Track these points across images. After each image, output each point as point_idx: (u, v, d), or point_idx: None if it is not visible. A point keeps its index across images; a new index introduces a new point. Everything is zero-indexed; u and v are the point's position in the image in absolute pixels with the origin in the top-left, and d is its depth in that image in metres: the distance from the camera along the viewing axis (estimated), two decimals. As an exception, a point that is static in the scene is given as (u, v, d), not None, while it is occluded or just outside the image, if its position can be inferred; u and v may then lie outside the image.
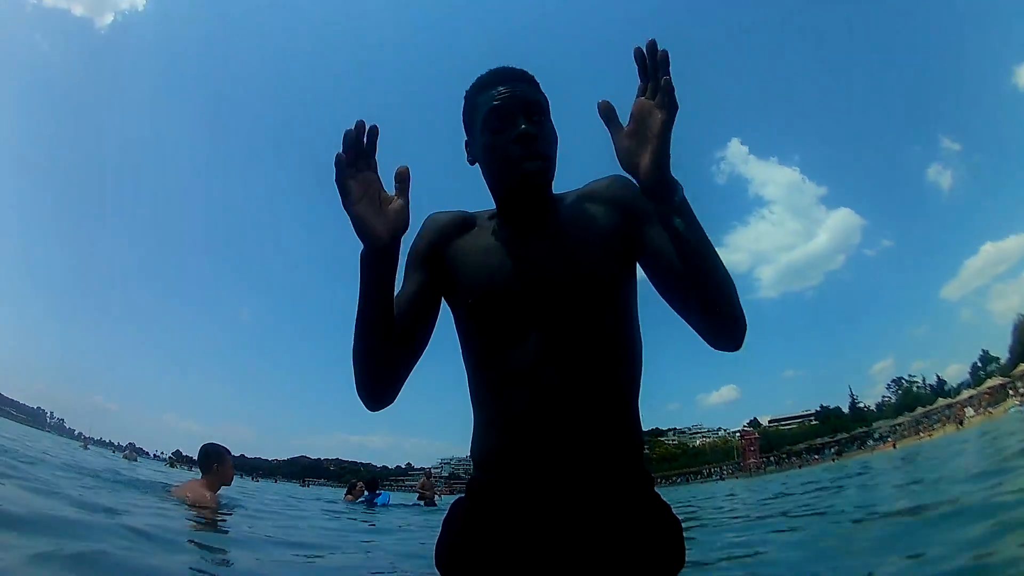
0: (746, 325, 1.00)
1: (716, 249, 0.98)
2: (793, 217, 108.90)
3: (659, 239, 1.02)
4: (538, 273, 1.05)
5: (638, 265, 1.10)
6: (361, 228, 0.90)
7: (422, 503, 9.21)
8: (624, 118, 0.98)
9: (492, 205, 1.18)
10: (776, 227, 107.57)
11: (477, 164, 1.15)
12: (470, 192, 1.26)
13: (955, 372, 58.78)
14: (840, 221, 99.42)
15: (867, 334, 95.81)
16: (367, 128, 0.90)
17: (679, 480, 56.35)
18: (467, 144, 1.18)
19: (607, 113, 0.99)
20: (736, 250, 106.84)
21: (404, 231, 0.94)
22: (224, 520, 3.44)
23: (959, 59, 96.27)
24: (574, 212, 1.12)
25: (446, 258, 1.13)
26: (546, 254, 1.07)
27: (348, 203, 0.89)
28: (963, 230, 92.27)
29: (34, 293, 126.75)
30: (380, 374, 1.02)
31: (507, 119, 1.06)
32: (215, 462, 3.75)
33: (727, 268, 0.98)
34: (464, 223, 1.17)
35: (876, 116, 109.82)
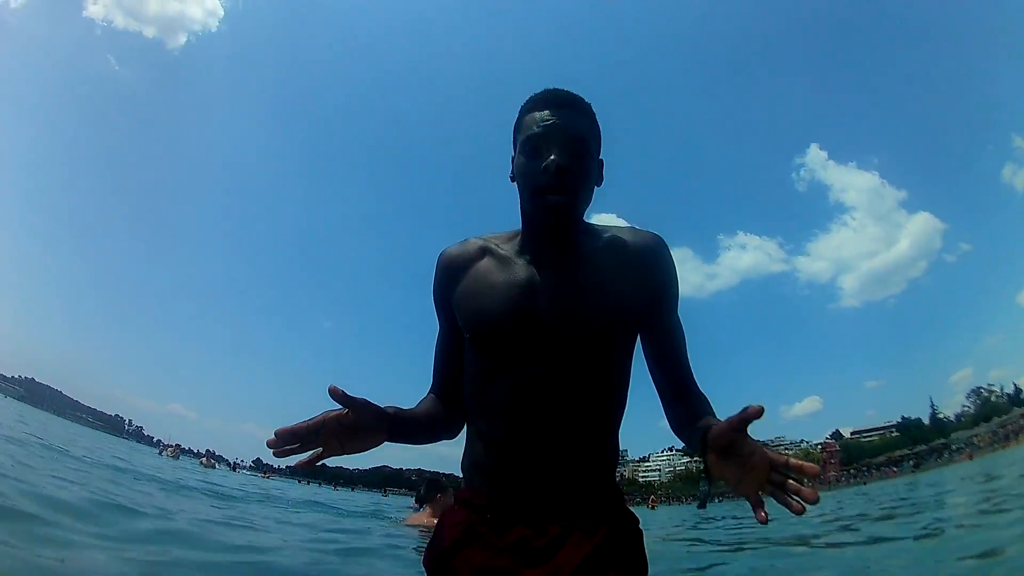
0: None
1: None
2: (875, 223, 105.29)
3: (670, 335, 1.11)
4: (541, 314, 1.04)
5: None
6: (365, 450, 1.08)
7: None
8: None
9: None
10: (858, 233, 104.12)
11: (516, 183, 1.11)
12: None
13: (1034, 381, 56.59)
14: (921, 226, 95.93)
15: (947, 343, 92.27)
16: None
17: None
18: (512, 159, 1.12)
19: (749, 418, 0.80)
20: (819, 259, 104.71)
21: (384, 418, 1.05)
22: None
23: None
24: (600, 258, 1.08)
25: (454, 294, 1.14)
26: (556, 295, 1.05)
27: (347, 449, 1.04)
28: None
29: (117, 306, 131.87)
30: (437, 439, 1.24)
31: (543, 147, 1.02)
32: (439, 492, 4.20)
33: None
34: (476, 253, 1.15)
35: (950, 116, 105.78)
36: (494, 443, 1.09)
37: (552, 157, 1.01)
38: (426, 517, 4.22)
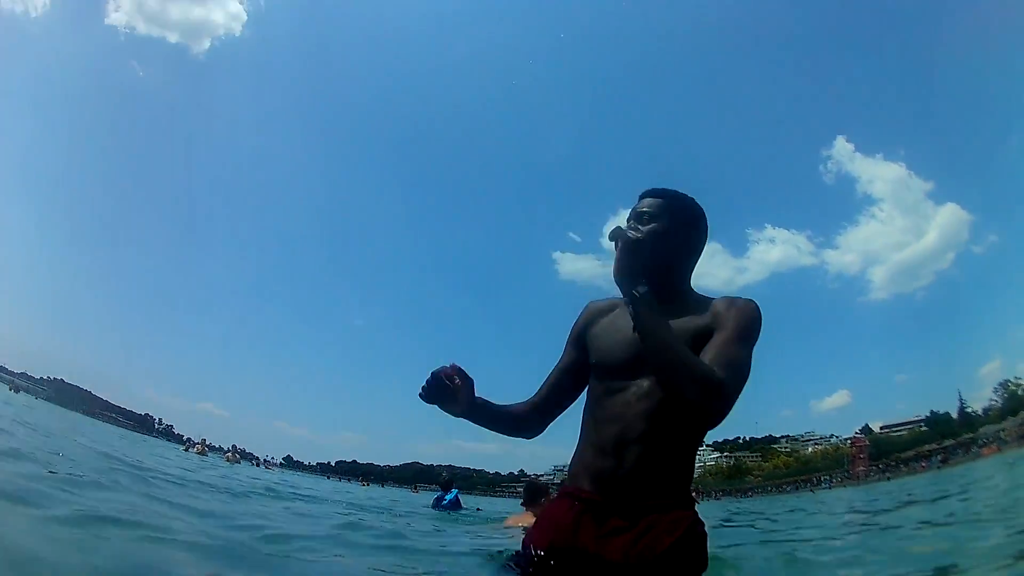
0: (715, 406, 1.29)
1: (674, 344, 1.28)
2: (902, 215, 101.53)
3: (710, 345, 1.36)
4: (639, 348, 1.36)
5: None
6: (447, 411, 1.49)
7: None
8: None
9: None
10: (886, 225, 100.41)
11: None
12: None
13: (1062, 374, 55.64)
14: (948, 217, 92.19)
15: (975, 335, 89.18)
16: (451, 374, 1.44)
17: (788, 489, 56.24)
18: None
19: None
20: (848, 251, 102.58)
21: (472, 400, 1.49)
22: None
23: None
24: (685, 309, 1.45)
25: (588, 334, 1.59)
26: None
27: (432, 402, 1.47)
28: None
29: (147, 308, 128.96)
30: (515, 435, 1.68)
31: (618, 237, 1.45)
32: (542, 496, 4.65)
33: (687, 360, 1.27)
34: (610, 307, 1.60)
35: (974, 102, 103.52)
36: (601, 449, 1.43)
37: (620, 245, 1.46)
38: (528, 518, 4.41)
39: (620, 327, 1.49)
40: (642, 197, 1.56)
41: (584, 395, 1.60)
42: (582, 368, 1.61)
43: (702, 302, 1.49)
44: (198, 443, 22.07)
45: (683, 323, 1.40)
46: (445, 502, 7.36)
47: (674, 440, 1.41)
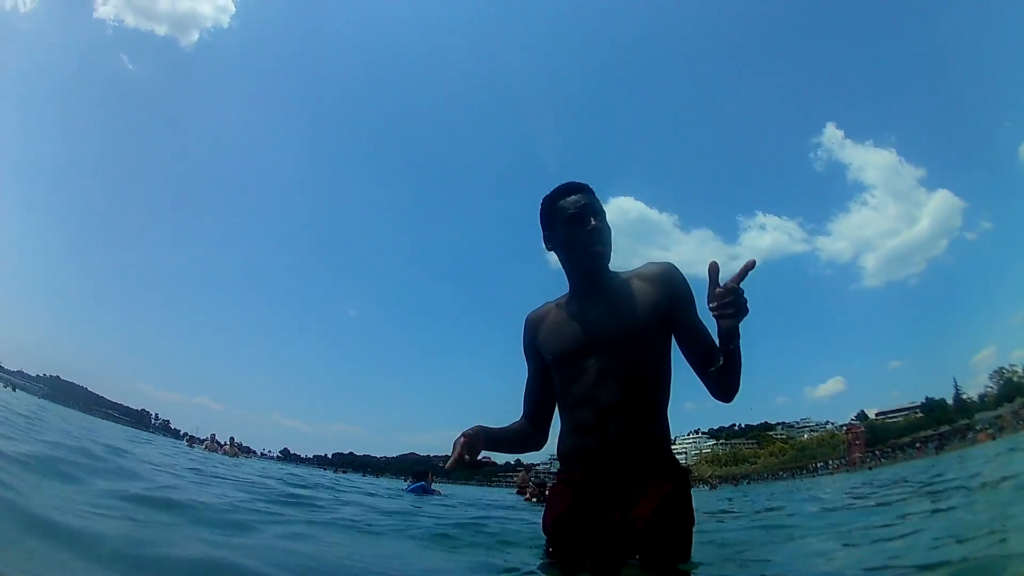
0: (735, 395, 1.54)
1: (741, 364, 1.48)
2: (895, 201, 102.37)
3: (692, 327, 1.58)
4: (594, 331, 1.60)
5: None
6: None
7: (523, 497, 8.63)
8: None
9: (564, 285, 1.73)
10: (878, 212, 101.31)
11: (554, 252, 1.73)
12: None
13: (1057, 361, 55.87)
14: (940, 203, 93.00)
15: (970, 322, 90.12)
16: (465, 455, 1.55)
17: (785, 476, 56.39)
18: (545, 237, 1.74)
19: (712, 271, 1.43)
20: (840, 238, 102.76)
21: (486, 443, 1.63)
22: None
23: None
24: (625, 286, 1.63)
25: (537, 341, 1.74)
26: (600, 317, 1.61)
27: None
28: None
29: (140, 302, 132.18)
30: (526, 451, 1.83)
31: (583, 219, 1.62)
32: None
33: (742, 368, 1.48)
34: (548, 310, 1.76)
35: (966, 91, 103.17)
36: (581, 431, 1.59)
37: (592, 222, 1.63)
38: None
39: (564, 321, 1.69)
40: (575, 192, 1.70)
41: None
42: (547, 374, 1.76)
43: (629, 277, 1.67)
44: (207, 440, 21.21)
45: (643, 298, 1.60)
46: (411, 488, 8.01)
47: (646, 409, 1.58)
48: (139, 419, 74.59)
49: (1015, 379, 52.41)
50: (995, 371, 56.02)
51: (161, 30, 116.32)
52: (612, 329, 1.60)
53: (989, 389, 55.43)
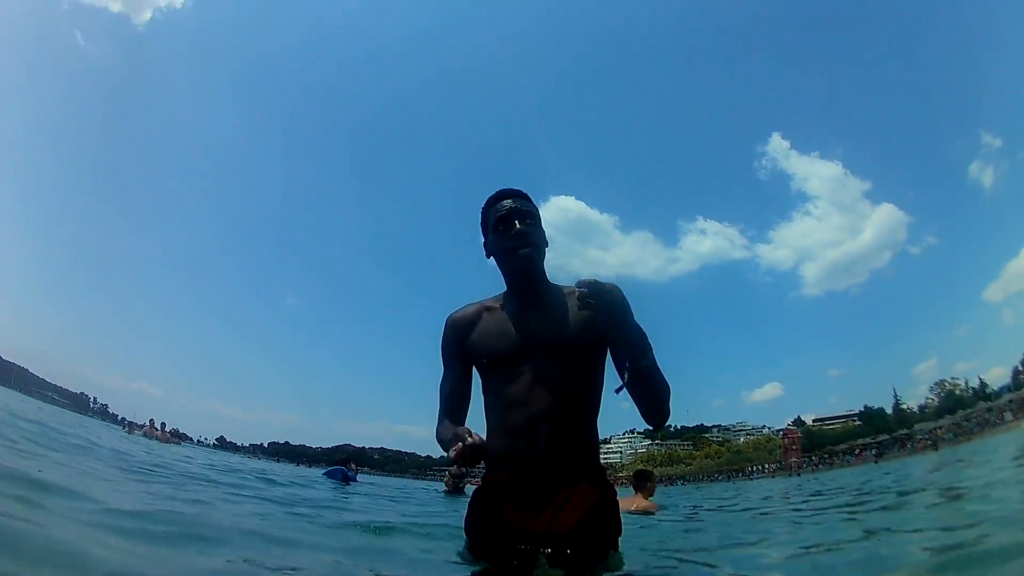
0: (667, 420, 1.59)
1: (666, 385, 1.55)
2: (838, 212, 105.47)
3: (621, 336, 1.52)
4: (530, 337, 1.62)
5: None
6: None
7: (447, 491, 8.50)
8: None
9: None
10: (821, 222, 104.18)
11: (492, 258, 1.73)
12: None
13: (998, 375, 57.81)
14: (885, 217, 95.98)
15: (911, 334, 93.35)
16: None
17: (720, 478, 57.37)
18: (484, 243, 1.77)
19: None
20: (781, 246, 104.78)
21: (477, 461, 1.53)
22: (663, 512, 5.12)
23: (999, 51, 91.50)
24: (564, 298, 1.68)
25: (466, 344, 1.72)
26: (537, 324, 1.63)
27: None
28: (1005, 230, 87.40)
29: (78, 281, 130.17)
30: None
31: (509, 223, 1.64)
32: (648, 481, 5.64)
33: (668, 390, 1.55)
34: (476, 312, 1.75)
35: (917, 109, 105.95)
36: (512, 433, 1.59)
37: (518, 226, 1.65)
38: (638, 501, 5.36)
39: (500, 322, 1.70)
40: (506, 197, 1.72)
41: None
42: (468, 375, 1.78)
43: (571, 291, 1.66)
44: (145, 425, 21.24)
45: (583, 314, 1.55)
46: (327, 472, 8.82)
47: (578, 417, 1.63)
48: (77, 402, 73.57)
49: (957, 392, 52.81)
50: (937, 383, 56.82)
51: (115, 7, 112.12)
52: (550, 336, 1.64)
53: (930, 400, 56.43)
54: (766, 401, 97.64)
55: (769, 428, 73.14)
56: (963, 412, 47.62)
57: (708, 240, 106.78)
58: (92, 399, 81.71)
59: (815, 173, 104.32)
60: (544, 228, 1.74)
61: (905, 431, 51.68)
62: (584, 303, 1.45)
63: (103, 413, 71.81)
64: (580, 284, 1.46)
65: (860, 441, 54.84)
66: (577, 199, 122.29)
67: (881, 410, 60.52)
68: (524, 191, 1.74)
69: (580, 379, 1.62)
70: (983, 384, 50.38)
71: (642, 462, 72.90)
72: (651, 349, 1.52)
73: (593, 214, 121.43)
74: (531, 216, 1.68)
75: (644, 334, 1.54)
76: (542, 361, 1.60)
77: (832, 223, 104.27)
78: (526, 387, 1.58)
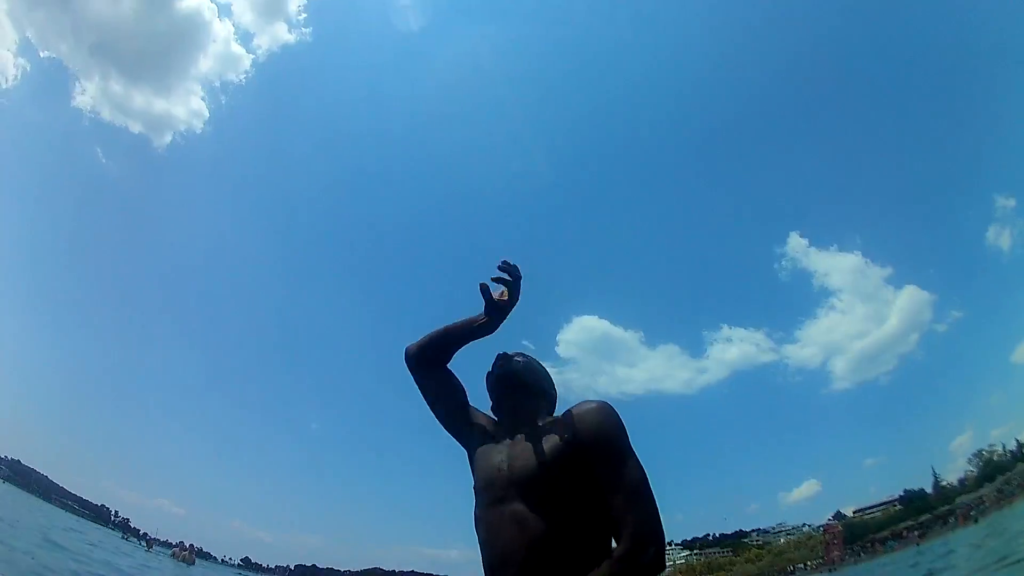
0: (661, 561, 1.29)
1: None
2: (862, 303, 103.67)
3: (608, 481, 1.37)
4: (502, 469, 1.50)
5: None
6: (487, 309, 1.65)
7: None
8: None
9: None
10: (845, 315, 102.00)
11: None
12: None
13: (1034, 435, 53.44)
14: (909, 300, 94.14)
15: (945, 410, 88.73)
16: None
17: None
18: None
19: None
20: (808, 344, 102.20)
21: (507, 309, 1.66)
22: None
23: (1004, 110, 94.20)
24: (547, 429, 1.52)
25: (470, 436, 1.71)
26: (516, 457, 1.50)
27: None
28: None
29: (107, 397, 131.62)
30: (433, 351, 1.75)
31: (495, 363, 1.72)
32: None
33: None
34: (486, 423, 1.72)
35: (926, 185, 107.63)
36: (489, 569, 1.46)
37: (500, 363, 1.72)
38: None
39: (488, 449, 1.61)
40: (502, 357, 1.75)
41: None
42: (457, 405, 1.77)
43: (565, 412, 1.54)
44: (176, 546, 22.01)
45: (549, 442, 1.47)
46: None
47: (546, 559, 1.38)
48: (99, 514, 73.31)
49: (995, 458, 49.77)
50: (975, 453, 54.27)
51: (136, 128, 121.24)
52: (515, 471, 1.50)
53: (970, 472, 53.40)
54: (805, 499, 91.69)
55: (809, 525, 69.50)
56: (1002, 477, 44.46)
57: (735, 347, 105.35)
58: (113, 512, 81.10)
59: (836, 267, 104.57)
60: (549, 372, 1.79)
61: (947, 507, 48.49)
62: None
63: (124, 527, 70.59)
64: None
65: (902, 525, 51.39)
66: (600, 317, 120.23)
67: (922, 491, 57.55)
68: (526, 354, 1.78)
69: (553, 516, 1.39)
70: (1020, 445, 47.42)
71: (681, 573, 69.92)
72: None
73: (617, 331, 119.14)
74: (521, 364, 1.72)
75: (640, 477, 1.38)
76: (509, 497, 1.45)
77: (857, 314, 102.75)
78: (500, 525, 1.44)
